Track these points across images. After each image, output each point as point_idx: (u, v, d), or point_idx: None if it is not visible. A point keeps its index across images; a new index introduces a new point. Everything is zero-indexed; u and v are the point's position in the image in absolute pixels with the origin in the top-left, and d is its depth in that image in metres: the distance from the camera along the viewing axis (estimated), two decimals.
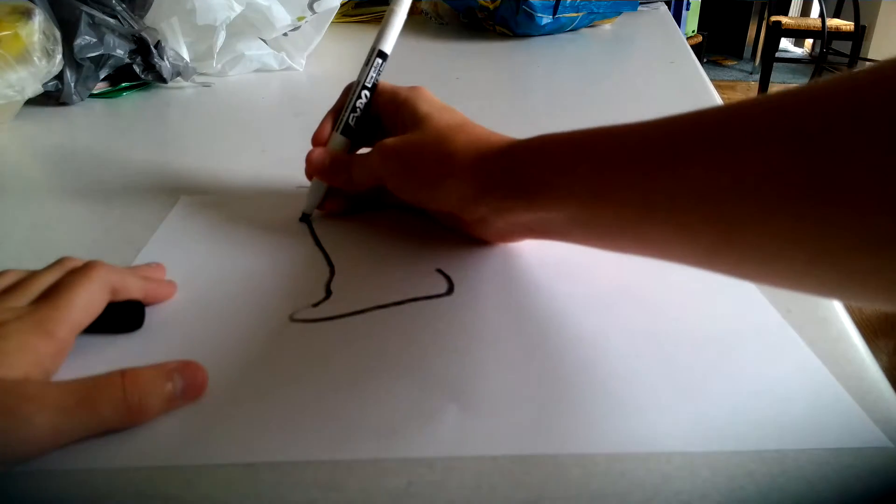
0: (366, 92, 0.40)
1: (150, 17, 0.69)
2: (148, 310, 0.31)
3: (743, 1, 4.63)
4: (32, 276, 0.29)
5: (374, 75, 0.40)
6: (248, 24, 0.75)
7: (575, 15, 1.03)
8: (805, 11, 4.85)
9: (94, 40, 0.64)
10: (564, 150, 0.28)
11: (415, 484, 0.22)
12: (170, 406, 0.25)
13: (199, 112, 0.67)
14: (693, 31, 3.59)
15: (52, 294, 0.27)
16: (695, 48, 1.78)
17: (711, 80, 0.78)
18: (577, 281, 0.34)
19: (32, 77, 0.58)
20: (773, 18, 3.88)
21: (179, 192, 0.45)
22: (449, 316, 0.31)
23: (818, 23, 3.67)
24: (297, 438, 0.24)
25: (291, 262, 0.36)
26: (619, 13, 1.13)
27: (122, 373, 0.24)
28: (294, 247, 0.38)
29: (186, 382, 0.25)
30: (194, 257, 0.37)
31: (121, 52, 0.66)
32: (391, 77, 0.42)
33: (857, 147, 0.19)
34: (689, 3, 3.37)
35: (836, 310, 0.31)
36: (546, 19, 0.99)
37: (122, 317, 0.30)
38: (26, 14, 0.57)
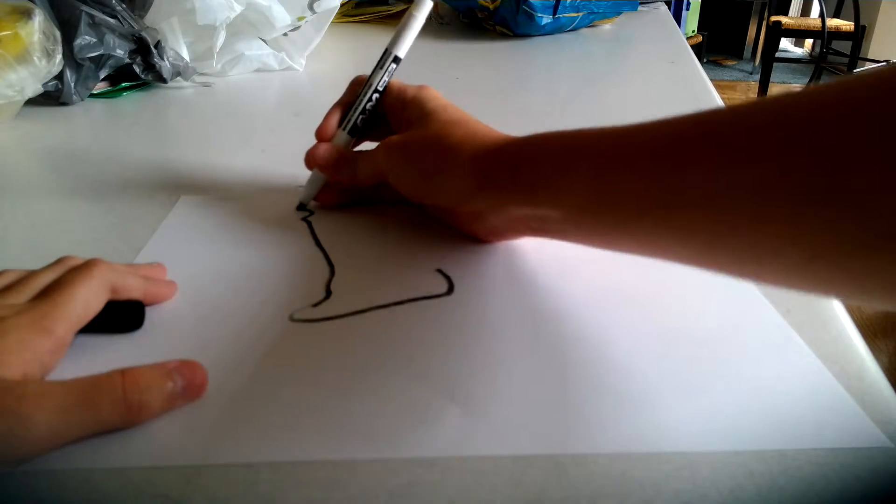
0: (376, 95, 0.40)
1: (150, 17, 0.69)
2: (148, 310, 0.31)
3: (743, 1, 4.63)
4: (32, 274, 0.29)
5: (387, 79, 0.41)
6: (248, 24, 0.75)
7: (575, 15, 1.03)
8: (805, 11, 4.85)
9: (94, 40, 0.64)
10: (564, 148, 0.29)
11: (415, 484, 0.22)
12: (170, 405, 0.25)
13: (199, 112, 0.67)
14: (693, 31, 3.59)
15: (51, 291, 0.27)
16: (695, 48, 1.78)
17: (711, 80, 0.78)
18: (576, 281, 0.34)
19: (32, 77, 0.58)
20: (773, 18, 3.88)
21: (179, 192, 0.45)
22: (449, 316, 0.31)
23: (818, 23, 3.67)
24: (297, 438, 0.24)
25: (291, 262, 0.36)
26: (619, 13, 1.13)
27: (123, 372, 0.24)
28: (294, 247, 0.38)
29: (186, 382, 0.25)
30: (194, 257, 0.36)
31: (121, 52, 0.66)
32: None
33: (855, 149, 0.19)
34: (689, 3, 3.37)
35: (836, 310, 0.31)
36: (546, 19, 0.99)
37: (122, 317, 0.30)
38: (26, 14, 0.57)
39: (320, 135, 0.41)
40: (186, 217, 0.41)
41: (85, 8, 0.63)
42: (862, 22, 3.61)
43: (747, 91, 4.08)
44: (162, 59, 0.69)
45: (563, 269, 0.35)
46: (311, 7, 0.75)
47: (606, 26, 1.14)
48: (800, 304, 0.31)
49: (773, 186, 0.20)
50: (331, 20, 0.79)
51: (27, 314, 0.26)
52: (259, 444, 0.24)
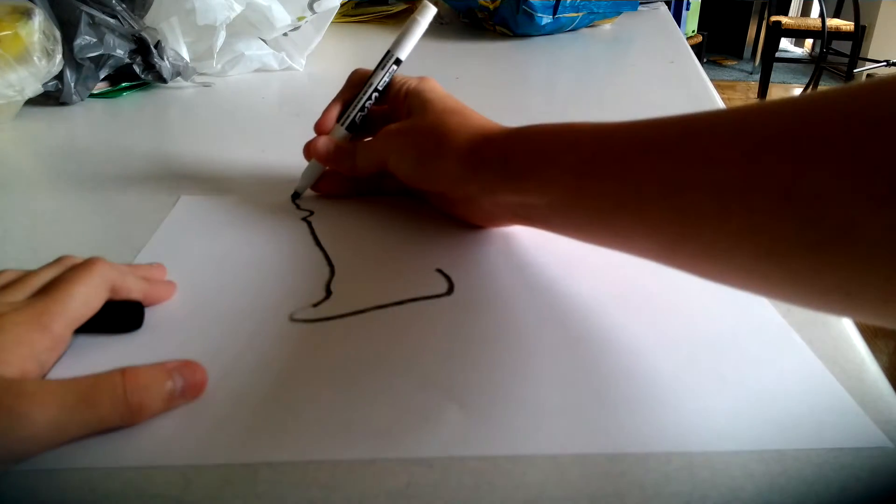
0: (376, 94, 0.42)
1: (150, 17, 0.69)
2: (148, 310, 0.31)
3: (743, 1, 4.63)
4: (31, 273, 0.29)
5: (387, 79, 0.42)
6: (248, 24, 0.75)
7: (575, 15, 1.03)
8: (805, 11, 4.85)
9: (94, 40, 0.64)
10: (552, 140, 0.30)
11: (414, 484, 0.22)
12: (169, 405, 0.25)
13: (199, 112, 0.67)
14: (693, 31, 3.59)
15: (49, 288, 0.27)
16: (695, 48, 1.78)
17: (711, 80, 0.78)
18: (576, 282, 0.34)
19: (32, 77, 0.58)
20: (773, 18, 3.88)
21: (179, 192, 0.45)
22: (449, 316, 0.31)
23: (818, 23, 3.67)
24: (297, 438, 0.24)
25: (291, 262, 0.36)
26: (619, 13, 1.13)
27: (122, 371, 0.24)
28: (294, 247, 0.38)
29: (186, 381, 0.25)
30: (194, 257, 0.36)
31: (121, 52, 0.66)
32: None
33: (804, 157, 0.20)
34: (689, 3, 3.37)
35: None
36: (546, 19, 0.99)
37: (122, 317, 0.30)
38: (26, 14, 0.57)
39: (319, 128, 0.42)
40: (186, 217, 0.41)
41: (85, 8, 0.63)
42: (862, 22, 3.61)
43: (747, 91, 4.08)
44: (162, 59, 0.69)
45: (563, 270, 0.35)
46: (311, 7, 0.75)
47: (606, 26, 1.14)
48: None
49: (734, 186, 0.22)
50: (331, 20, 0.79)
51: (25, 311, 0.26)
52: (258, 444, 0.24)
